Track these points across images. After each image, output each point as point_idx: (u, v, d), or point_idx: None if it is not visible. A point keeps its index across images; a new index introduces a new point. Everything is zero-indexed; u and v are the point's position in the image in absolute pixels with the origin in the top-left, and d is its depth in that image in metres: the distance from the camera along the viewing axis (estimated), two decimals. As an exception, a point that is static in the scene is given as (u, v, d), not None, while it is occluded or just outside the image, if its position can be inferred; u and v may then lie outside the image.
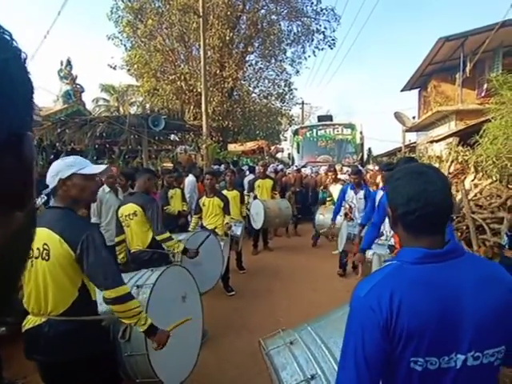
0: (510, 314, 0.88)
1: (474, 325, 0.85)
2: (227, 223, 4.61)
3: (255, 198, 6.70)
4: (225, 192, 5.46)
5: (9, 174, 0.25)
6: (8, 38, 0.26)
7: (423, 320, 0.85)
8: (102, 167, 1.95)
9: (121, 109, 21.94)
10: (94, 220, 4.24)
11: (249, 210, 6.63)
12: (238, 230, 5.07)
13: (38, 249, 1.58)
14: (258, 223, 6.41)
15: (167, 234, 3.13)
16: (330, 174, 6.59)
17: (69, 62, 11.27)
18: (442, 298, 0.86)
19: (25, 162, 0.27)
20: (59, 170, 1.63)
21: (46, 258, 1.58)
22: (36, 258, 1.58)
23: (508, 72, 5.44)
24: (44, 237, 1.57)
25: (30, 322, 1.65)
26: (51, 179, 1.63)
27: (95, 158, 9.22)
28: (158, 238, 3.10)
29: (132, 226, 3.13)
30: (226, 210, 4.67)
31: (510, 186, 4.85)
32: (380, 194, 3.92)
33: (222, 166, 10.57)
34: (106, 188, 4.35)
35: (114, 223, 4.09)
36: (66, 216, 1.66)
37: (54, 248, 1.58)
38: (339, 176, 7.29)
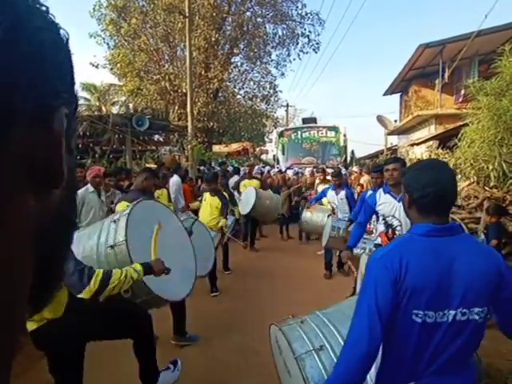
0: (495, 281, 1.08)
1: (465, 286, 1.05)
2: (222, 227, 4.68)
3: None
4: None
5: (38, 149, 0.24)
6: (44, 10, 0.25)
7: (425, 278, 1.05)
8: None
9: (103, 108, 21.49)
10: None
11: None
12: (228, 220, 5.11)
13: None
14: (247, 207, 6.44)
15: None
16: (318, 174, 6.76)
17: (49, 60, 10.97)
18: (441, 262, 1.06)
19: (55, 136, 0.25)
20: None
21: None
22: None
23: (483, 79, 5.69)
24: None
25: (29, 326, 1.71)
26: None
27: (78, 157, 9.00)
28: None
29: None
30: (223, 211, 4.73)
31: (486, 188, 5.06)
32: (369, 193, 4.05)
33: (202, 167, 10.55)
34: (90, 188, 4.18)
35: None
36: None
37: None
38: (328, 177, 7.43)
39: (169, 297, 2.25)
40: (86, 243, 2.26)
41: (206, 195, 4.81)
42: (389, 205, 2.90)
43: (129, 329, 2.03)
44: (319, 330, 1.69)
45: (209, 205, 4.70)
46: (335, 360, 1.51)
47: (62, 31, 0.27)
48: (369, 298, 1.07)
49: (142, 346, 2.10)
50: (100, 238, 2.22)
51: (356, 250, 3.27)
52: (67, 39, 0.27)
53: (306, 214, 6.39)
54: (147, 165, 10.42)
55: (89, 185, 4.21)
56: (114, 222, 2.27)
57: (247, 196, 6.63)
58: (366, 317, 1.05)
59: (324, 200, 6.19)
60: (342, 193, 5.14)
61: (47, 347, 1.77)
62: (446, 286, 1.04)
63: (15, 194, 0.23)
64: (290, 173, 10.76)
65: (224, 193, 5.60)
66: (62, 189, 0.27)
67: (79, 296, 1.73)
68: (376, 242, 3.13)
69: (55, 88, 0.25)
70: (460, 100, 12.39)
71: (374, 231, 3.31)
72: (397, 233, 2.86)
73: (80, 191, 4.04)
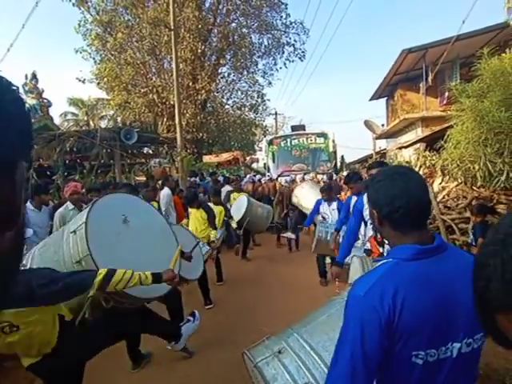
0: None
1: (466, 313, 0.89)
2: (213, 241, 4.65)
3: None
4: (210, 205, 5.46)
5: (2, 198, 0.29)
6: (6, 83, 0.32)
7: (424, 315, 0.88)
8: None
9: (91, 123, 21.39)
10: None
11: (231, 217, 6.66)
12: (218, 233, 5.08)
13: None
14: (239, 214, 6.45)
15: None
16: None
17: (34, 76, 10.88)
18: (438, 292, 0.90)
19: (16, 187, 0.31)
20: None
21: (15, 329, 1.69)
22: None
23: (465, 81, 5.81)
24: None
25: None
26: None
27: (65, 173, 8.89)
28: None
29: None
30: (211, 222, 4.70)
31: (473, 188, 5.12)
32: (354, 199, 4.04)
33: (198, 178, 10.52)
34: (69, 205, 4.04)
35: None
36: None
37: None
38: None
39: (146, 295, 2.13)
40: (50, 258, 2.09)
41: (192, 210, 4.91)
42: None
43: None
44: (300, 361, 1.46)
45: (196, 219, 4.77)
46: None
47: (26, 109, 0.34)
48: (352, 346, 0.87)
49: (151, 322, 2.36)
50: (64, 253, 2.05)
51: (346, 258, 3.19)
52: (29, 112, 0.35)
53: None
54: (137, 178, 10.34)
55: (68, 202, 4.06)
56: (74, 232, 2.07)
57: (239, 204, 6.72)
58: (350, 373, 0.86)
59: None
60: (334, 204, 5.26)
61: (47, 377, 1.83)
62: (447, 317, 0.89)
63: None
64: (282, 180, 10.81)
65: (220, 206, 5.59)
66: (17, 229, 0.33)
67: (93, 293, 1.77)
68: (366, 247, 3.10)
69: (17, 147, 0.31)
70: (444, 102, 12.63)
71: (361, 237, 3.28)
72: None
73: (59, 210, 3.93)
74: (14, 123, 0.30)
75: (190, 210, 4.95)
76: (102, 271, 1.81)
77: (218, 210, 5.41)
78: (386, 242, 2.41)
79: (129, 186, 3.65)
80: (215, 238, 4.75)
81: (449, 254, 0.97)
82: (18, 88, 0.33)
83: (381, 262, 1.00)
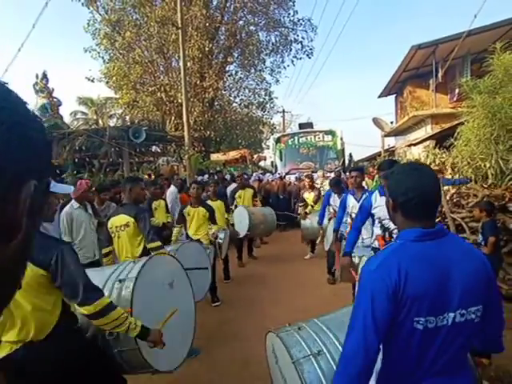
0: (483, 280, 1.10)
1: (461, 287, 1.06)
2: (214, 232, 4.56)
3: (235, 207, 6.62)
4: (209, 202, 5.41)
5: (6, 209, 0.31)
6: (34, 116, 0.36)
7: (425, 286, 1.03)
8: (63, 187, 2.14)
9: (100, 121, 21.61)
10: (65, 239, 3.76)
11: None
12: (221, 234, 5.01)
13: None
14: (242, 231, 6.25)
15: (159, 243, 3.05)
16: (307, 181, 6.95)
17: (45, 75, 11.02)
18: (438, 267, 1.06)
19: (19, 202, 0.33)
20: None
21: None
22: None
23: (476, 77, 5.69)
24: None
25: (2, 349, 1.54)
26: None
27: (75, 172, 9.00)
28: (150, 245, 3.02)
29: (122, 238, 3.07)
30: (212, 219, 4.63)
31: (484, 186, 5.03)
32: (350, 198, 3.98)
33: (206, 176, 10.55)
34: (74, 204, 3.96)
35: (87, 239, 3.90)
36: None
37: None
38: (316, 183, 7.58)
39: (155, 364, 1.96)
40: None
41: (189, 209, 4.60)
42: (384, 207, 2.84)
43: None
44: (317, 336, 1.68)
45: (195, 217, 4.56)
46: (333, 365, 1.51)
47: (46, 135, 0.37)
48: (365, 313, 1.04)
49: None
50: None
51: (354, 259, 3.18)
52: (48, 139, 0.40)
53: (306, 222, 6.40)
54: (145, 176, 10.41)
55: (73, 201, 4.00)
56: (120, 281, 2.04)
57: (240, 219, 6.31)
58: (362, 334, 1.03)
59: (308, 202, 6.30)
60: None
61: (28, 376, 1.55)
62: (444, 289, 1.04)
63: None
64: (292, 178, 10.79)
65: (219, 200, 5.54)
66: (17, 241, 0.34)
67: (82, 308, 1.61)
68: (374, 245, 3.07)
69: (30, 166, 0.33)
70: (455, 99, 12.43)
71: (370, 235, 3.25)
72: (394, 236, 2.81)
73: (65, 210, 3.93)
74: (31, 146, 0.34)
75: (188, 209, 4.60)
76: (107, 298, 1.69)
77: (216, 204, 5.29)
78: (396, 228, 2.45)
79: (130, 180, 3.58)
80: (217, 231, 4.64)
81: (448, 239, 1.13)
82: (41, 119, 0.38)
83: (390, 244, 1.19)
